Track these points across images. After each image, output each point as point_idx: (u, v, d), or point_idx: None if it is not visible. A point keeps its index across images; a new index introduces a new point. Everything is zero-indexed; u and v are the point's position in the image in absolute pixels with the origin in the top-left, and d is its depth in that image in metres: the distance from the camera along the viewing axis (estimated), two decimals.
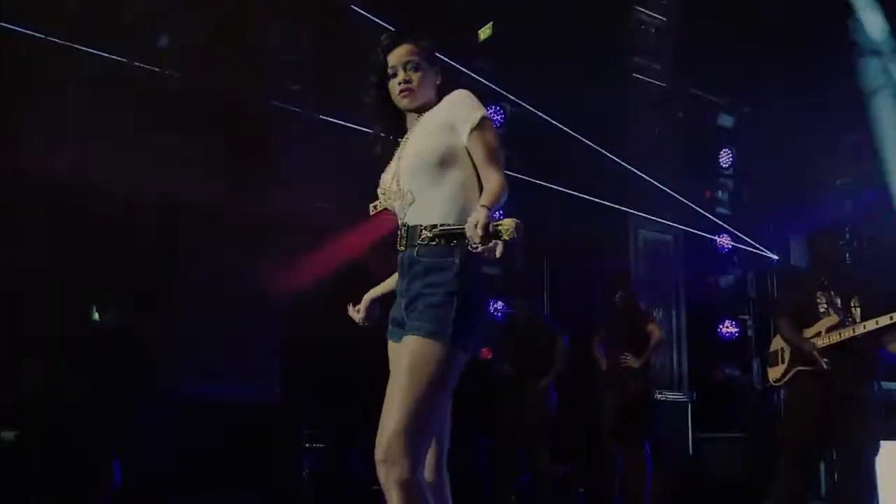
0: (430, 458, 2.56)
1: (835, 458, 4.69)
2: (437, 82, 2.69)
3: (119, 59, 6.24)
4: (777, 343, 4.94)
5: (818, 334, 4.64)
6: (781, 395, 5.13)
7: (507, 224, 2.21)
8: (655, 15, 8.42)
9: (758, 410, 8.19)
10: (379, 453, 2.41)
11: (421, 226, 2.51)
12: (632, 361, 5.99)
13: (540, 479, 6.47)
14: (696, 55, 8.34)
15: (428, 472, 2.58)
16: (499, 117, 7.64)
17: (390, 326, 2.68)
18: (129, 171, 6.64)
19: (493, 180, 2.46)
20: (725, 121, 9.00)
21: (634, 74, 8.34)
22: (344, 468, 7.03)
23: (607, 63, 8.10)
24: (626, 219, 8.02)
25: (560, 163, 7.77)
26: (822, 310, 4.69)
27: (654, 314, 6.86)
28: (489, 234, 2.22)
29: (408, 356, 2.45)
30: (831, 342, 4.56)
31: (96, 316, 7.07)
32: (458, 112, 2.56)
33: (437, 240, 2.47)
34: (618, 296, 6.23)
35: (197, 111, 6.80)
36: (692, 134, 8.65)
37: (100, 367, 5.94)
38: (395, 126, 2.73)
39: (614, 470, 6.13)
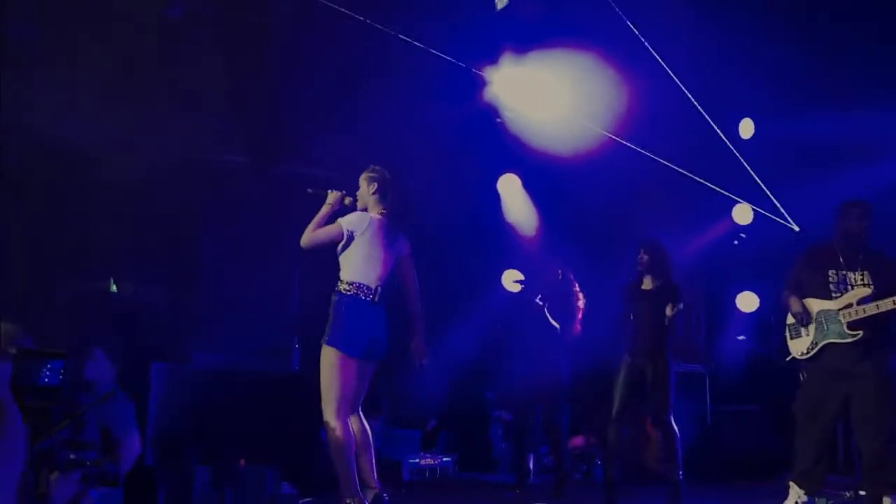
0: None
1: (857, 433, 4.61)
2: (373, 192, 4.56)
3: None
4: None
5: (849, 306, 4.58)
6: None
7: None
8: None
9: (776, 383, 8.06)
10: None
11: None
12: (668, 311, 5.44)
13: (558, 450, 6.42)
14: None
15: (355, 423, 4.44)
16: None
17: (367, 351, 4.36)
18: (144, 134, 6.59)
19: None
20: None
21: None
22: None
23: None
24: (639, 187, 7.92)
25: None
26: (831, 287, 4.64)
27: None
28: None
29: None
30: (867, 314, 4.50)
31: (114, 287, 7.08)
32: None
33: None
34: (641, 257, 5.67)
35: (220, 75, 6.71)
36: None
37: (117, 338, 5.95)
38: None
39: (619, 449, 5.65)
